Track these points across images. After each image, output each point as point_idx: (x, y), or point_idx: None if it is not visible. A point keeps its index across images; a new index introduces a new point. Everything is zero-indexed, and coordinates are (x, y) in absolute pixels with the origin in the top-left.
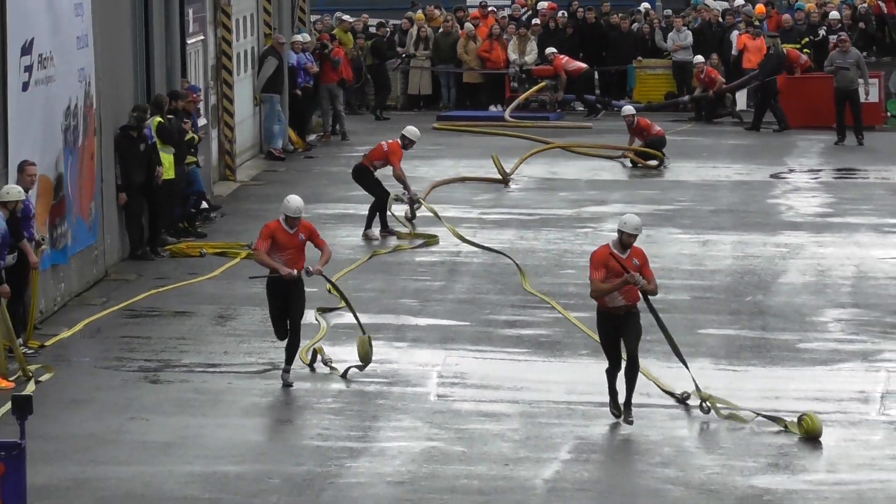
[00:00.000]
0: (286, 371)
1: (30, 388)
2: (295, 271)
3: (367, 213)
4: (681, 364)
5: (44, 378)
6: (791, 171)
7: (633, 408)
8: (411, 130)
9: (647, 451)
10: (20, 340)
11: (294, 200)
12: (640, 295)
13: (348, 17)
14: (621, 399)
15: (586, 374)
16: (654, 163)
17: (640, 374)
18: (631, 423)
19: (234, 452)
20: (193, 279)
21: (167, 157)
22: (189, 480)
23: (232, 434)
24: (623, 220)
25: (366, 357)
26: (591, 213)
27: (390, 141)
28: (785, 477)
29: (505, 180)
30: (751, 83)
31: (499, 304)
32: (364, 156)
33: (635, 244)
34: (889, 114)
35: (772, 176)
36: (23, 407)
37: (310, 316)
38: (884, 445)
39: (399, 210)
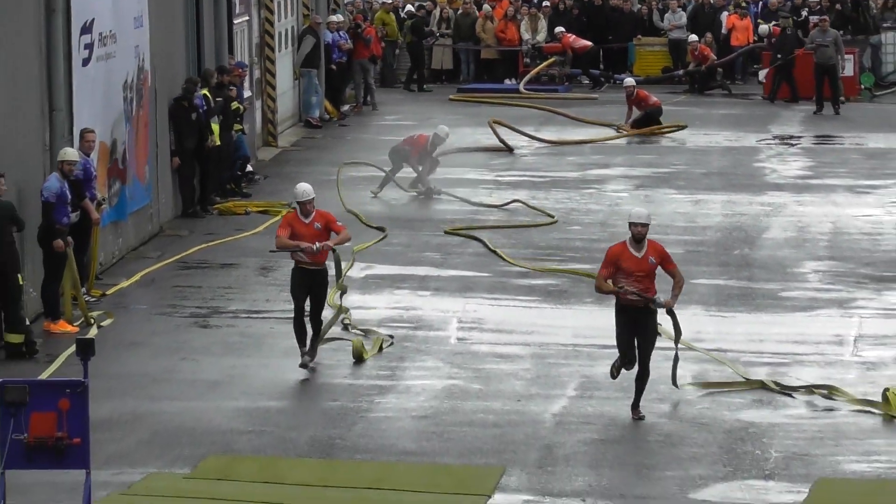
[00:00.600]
0: (306, 355)
1: (92, 332)
2: (314, 246)
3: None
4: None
5: (105, 323)
6: (776, 137)
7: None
8: (443, 130)
9: (653, 384)
10: (84, 289)
11: (300, 186)
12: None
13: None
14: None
15: (591, 319)
16: (652, 129)
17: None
18: (642, 418)
19: (275, 390)
20: (239, 235)
21: (215, 126)
22: (234, 415)
23: (273, 373)
24: (630, 213)
25: (359, 357)
26: (595, 176)
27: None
28: (768, 412)
29: (509, 148)
30: (739, 59)
31: (512, 257)
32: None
33: (656, 241)
34: (862, 86)
35: (758, 142)
36: (86, 349)
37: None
38: (856, 383)
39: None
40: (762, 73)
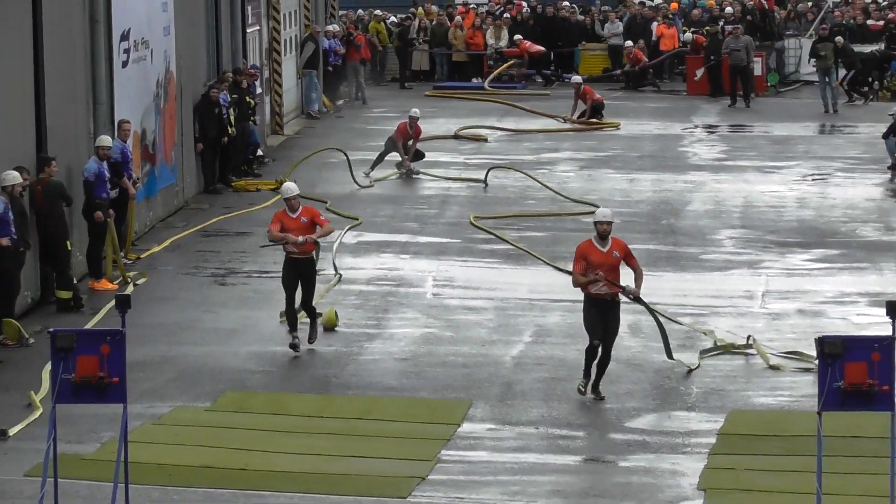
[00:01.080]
0: (296, 338)
1: (129, 289)
2: (300, 238)
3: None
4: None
5: (139, 282)
6: (696, 126)
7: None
8: (414, 111)
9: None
10: (122, 253)
11: (286, 184)
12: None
13: (379, 11)
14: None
15: (543, 278)
16: (595, 121)
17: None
18: (603, 398)
19: (281, 337)
20: (251, 208)
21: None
22: (248, 358)
23: (280, 324)
24: (595, 212)
25: (330, 325)
26: (547, 158)
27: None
28: (690, 353)
29: (484, 138)
30: (666, 61)
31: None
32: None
33: (619, 238)
34: (769, 84)
35: (683, 129)
36: (123, 303)
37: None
38: (764, 330)
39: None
40: (699, 73)
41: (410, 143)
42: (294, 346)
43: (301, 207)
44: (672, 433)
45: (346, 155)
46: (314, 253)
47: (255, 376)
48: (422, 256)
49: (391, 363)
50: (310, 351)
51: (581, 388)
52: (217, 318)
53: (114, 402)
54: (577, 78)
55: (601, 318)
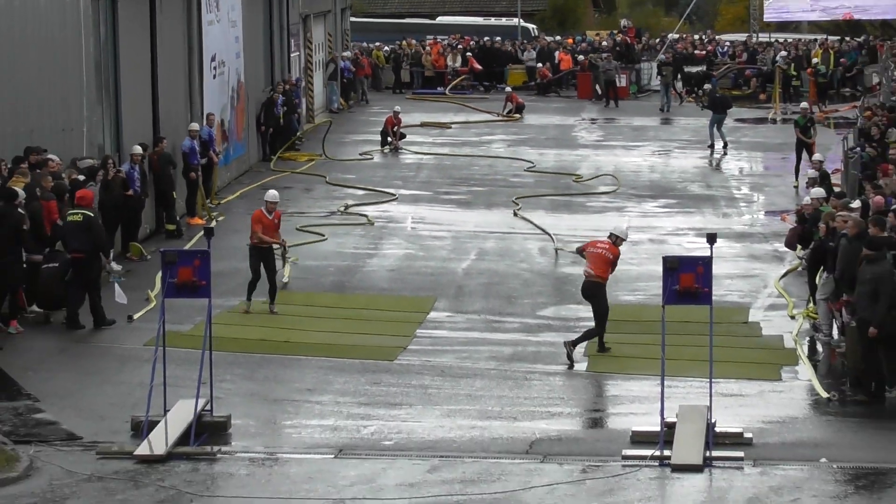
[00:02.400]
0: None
1: (213, 224)
2: (278, 244)
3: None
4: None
5: (219, 219)
6: (583, 119)
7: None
8: (395, 108)
9: (518, 253)
10: (208, 200)
11: (270, 192)
12: None
13: (378, 43)
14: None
15: (484, 217)
16: (517, 116)
17: None
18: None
19: (307, 255)
20: (293, 171)
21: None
22: (290, 269)
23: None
24: (613, 227)
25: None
26: (485, 140)
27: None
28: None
29: (447, 125)
30: (565, 77)
31: (443, 184)
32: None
33: (617, 249)
34: (631, 92)
35: (574, 121)
36: (209, 233)
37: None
38: (627, 252)
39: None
40: (598, 87)
41: (395, 129)
42: (246, 311)
43: (275, 210)
44: (567, 319)
45: (324, 138)
46: (282, 250)
47: (295, 281)
48: (404, 203)
49: (383, 273)
50: (329, 265)
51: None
52: None
53: (202, 297)
54: (508, 88)
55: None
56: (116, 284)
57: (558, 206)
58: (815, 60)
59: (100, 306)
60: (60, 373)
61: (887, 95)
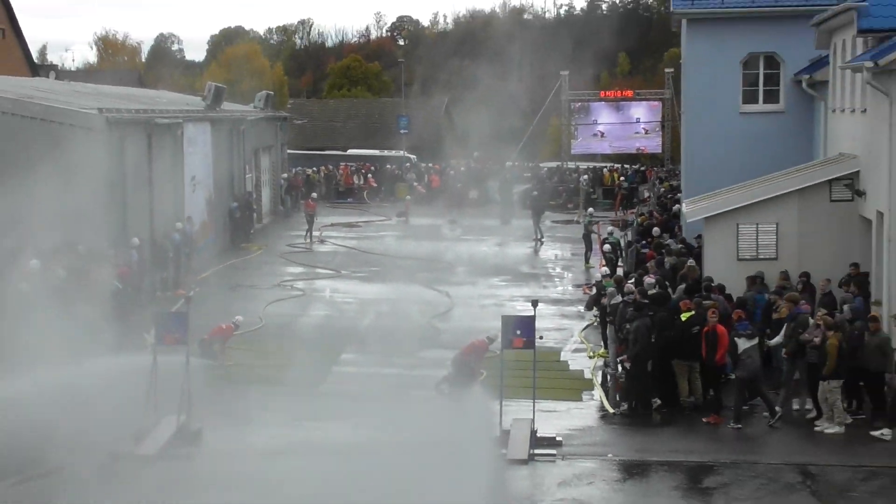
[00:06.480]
0: None
1: (191, 293)
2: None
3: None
4: None
5: (196, 290)
6: (451, 221)
7: None
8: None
9: (403, 313)
10: (183, 276)
11: (238, 317)
12: None
13: (316, 169)
14: None
15: (381, 289)
16: (405, 219)
17: None
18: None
19: (255, 315)
20: (247, 256)
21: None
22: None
23: None
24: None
25: None
26: (381, 234)
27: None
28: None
29: (356, 225)
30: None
31: (352, 265)
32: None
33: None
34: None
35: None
36: (188, 300)
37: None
38: (477, 313)
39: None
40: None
41: (312, 213)
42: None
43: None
44: (439, 359)
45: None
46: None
47: (249, 333)
48: (324, 279)
49: (310, 327)
50: (271, 321)
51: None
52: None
53: (181, 345)
54: (406, 197)
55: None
56: None
57: (432, 280)
58: (622, 179)
59: None
60: None
61: (654, 205)
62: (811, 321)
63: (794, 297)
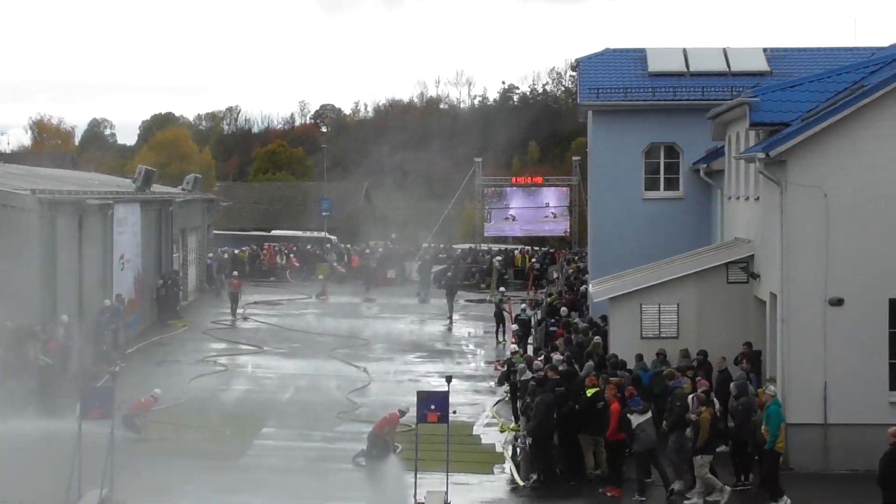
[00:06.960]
0: None
1: (117, 368)
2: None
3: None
4: None
5: (122, 365)
6: (367, 300)
7: None
8: (235, 274)
9: (322, 388)
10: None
11: (157, 390)
12: None
13: (242, 249)
14: None
15: (301, 364)
16: (325, 297)
17: None
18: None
19: (179, 391)
20: (173, 332)
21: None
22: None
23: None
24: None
25: None
26: (302, 312)
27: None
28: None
29: (278, 303)
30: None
31: (273, 341)
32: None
33: None
34: (398, 281)
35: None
36: (114, 375)
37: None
38: (394, 388)
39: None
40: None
41: (236, 291)
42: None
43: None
44: (357, 432)
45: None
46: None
47: (174, 407)
48: (246, 355)
49: (232, 401)
50: (194, 396)
51: None
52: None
53: (107, 418)
54: (320, 276)
55: None
56: None
57: (349, 356)
58: (533, 260)
59: None
60: None
61: (562, 285)
62: (689, 398)
63: (672, 372)
